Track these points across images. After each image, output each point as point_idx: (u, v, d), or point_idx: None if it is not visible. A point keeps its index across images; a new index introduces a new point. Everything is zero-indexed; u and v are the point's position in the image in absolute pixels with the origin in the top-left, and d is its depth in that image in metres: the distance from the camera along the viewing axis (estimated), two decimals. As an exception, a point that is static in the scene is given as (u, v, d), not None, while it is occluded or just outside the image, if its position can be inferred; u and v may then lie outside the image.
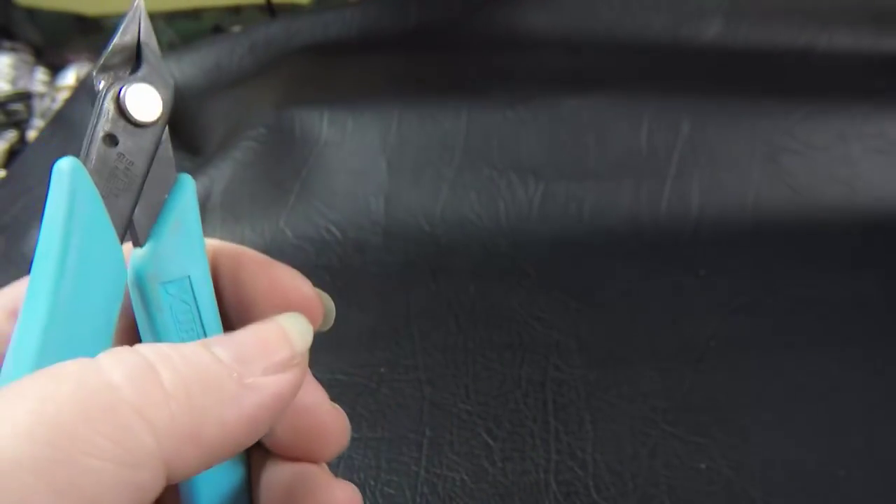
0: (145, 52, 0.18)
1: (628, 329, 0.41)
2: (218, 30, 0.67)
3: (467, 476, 0.35)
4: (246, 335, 0.18)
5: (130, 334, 0.20)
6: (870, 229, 0.47)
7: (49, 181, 0.17)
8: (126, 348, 0.16)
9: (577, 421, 0.37)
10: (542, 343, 0.41)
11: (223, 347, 0.17)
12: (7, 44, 0.64)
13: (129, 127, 0.18)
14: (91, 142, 0.17)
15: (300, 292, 0.21)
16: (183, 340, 0.19)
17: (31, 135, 0.59)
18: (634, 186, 0.49)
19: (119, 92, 0.18)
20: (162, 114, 0.18)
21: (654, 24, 0.55)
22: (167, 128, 0.19)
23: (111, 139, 0.18)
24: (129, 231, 0.19)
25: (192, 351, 0.17)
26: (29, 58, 0.64)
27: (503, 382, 0.39)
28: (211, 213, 0.51)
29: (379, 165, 0.50)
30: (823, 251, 0.45)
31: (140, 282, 0.19)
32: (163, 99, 0.18)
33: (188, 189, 0.19)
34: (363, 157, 0.51)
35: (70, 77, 0.61)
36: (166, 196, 0.19)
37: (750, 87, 0.52)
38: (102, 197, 0.17)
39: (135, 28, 0.18)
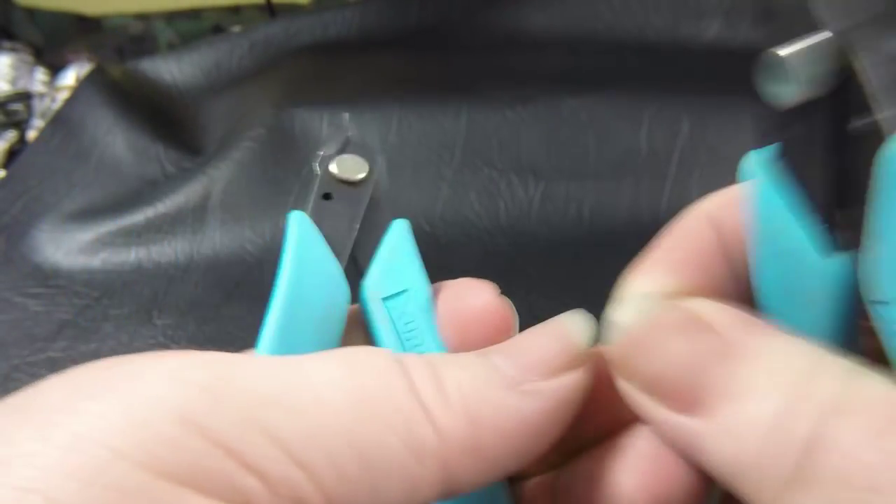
0: (352, 141, 0.24)
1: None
2: (218, 30, 0.67)
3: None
4: (524, 339, 0.18)
5: None
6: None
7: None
8: (413, 355, 0.17)
9: (577, 421, 0.37)
10: (542, 343, 0.41)
11: (501, 355, 0.17)
12: (7, 44, 0.64)
13: (340, 185, 0.22)
14: (314, 200, 0.22)
15: (479, 303, 0.21)
16: (408, 349, 0.21)
17: (31, 135, 0.59)
18: (634, 186, 0.49)
19: (329, 164, 0.23)
20: (368, 174, 0.23)
21: (654, 24, 0.55)
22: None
23: (327, 195, 0.22)
24: (357, 266, 0.22)
25: (469, 360, 0.17)
26: (29, 58, 0.64)
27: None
28: (211, 214, 0.51)
29: (379, 165, 0.50)
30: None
31: (364, 300, 0.22)
32: (369, 165, 0.23)
33: (403, 227, 0.23)
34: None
35: (70, 77, 0.61)
36: (383, 235, 0.22)
37: (750, 87, 0.52)
38: (325, 235, 0.21)
39: (345, 129, 0.24)
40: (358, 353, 0.16)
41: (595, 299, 0.47)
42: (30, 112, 0.60)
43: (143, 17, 0.68)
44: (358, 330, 0.22)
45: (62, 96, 0.59)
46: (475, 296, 0.21)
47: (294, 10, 0.66)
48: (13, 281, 0.48)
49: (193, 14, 0.68)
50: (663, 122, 0.50)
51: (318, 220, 0.22)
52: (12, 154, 0.58)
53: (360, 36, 0.58)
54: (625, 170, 0.49)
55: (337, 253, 0.21)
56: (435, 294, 0.22)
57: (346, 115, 0.24)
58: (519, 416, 0.16)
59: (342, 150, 0.23)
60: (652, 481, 0.17)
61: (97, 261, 0.49)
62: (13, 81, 0.62)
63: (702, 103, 0.51)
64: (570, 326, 0.18)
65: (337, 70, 0.56)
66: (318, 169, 0.23)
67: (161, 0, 0.67)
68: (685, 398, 0.15)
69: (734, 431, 0.14)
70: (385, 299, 0.22)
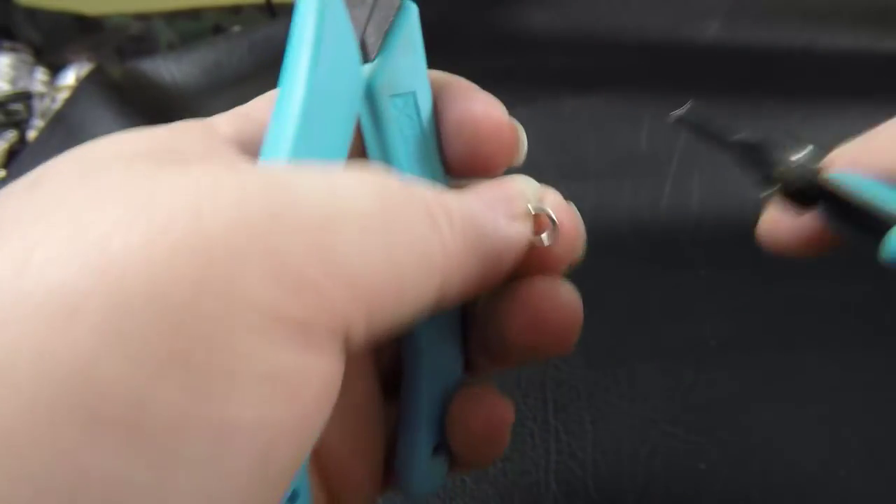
0: None
1: (628, 329, 0.41)
2: (218, 30, 0.67)
3: (467, 476, 0.35)
4: (490, 187, 0.20)
5: (359, 147, 0.21)
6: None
7: None
8: (425, 186, 0.18)
9: (577, 421, 0.37)
10: (542, 343, 0.41)
11: (474, 195, 0.19)
12: (7, 44, 0.64)
13: None
14: None
15: (491, 121, 0.21)
16: (408, 154, 0.21)
17: (31, 135, 0.59)
18: (634, 186, 0.49)
19: None
20: None
21: (654, 24, 0.55)
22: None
23: None
24: (361, 47, 0.20)
25: (462, 195, 0.19)
26: (29, 58, 0.64)
27: (503, 382, 0.39)
28: (211, 213, 0.51)
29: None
30: (823, 251, 0.45)
31: (371, 93, 0.20)
32: None
33: (412, 13, 0.21)
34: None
35: (70, 77, 0.61)
36: (392, 18, 0.20)
37: (750, 87, 0.52)
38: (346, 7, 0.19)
39: None
40: (389, 185, 0.17)
41: (595, 299, 0.47)
42: (30, 112, 0.60)
43: (143, 17, 0.68)
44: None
45: (62, 96, 0.59)
46: (484, 110, 0.21)
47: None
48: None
49: (193, 14, 0.68)
50: (663, 122, 0.50)
51: None
52: (12, 154, 0.58)
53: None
54: (625, 170, 0.49)
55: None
56: (437, 95, 0.21)
57: None
58: (494, 247, 0.19)
59: None
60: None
61: (97, 261, 0.49)
62: (13, 81, 0.62)
63: (702, 103, 0.50)
64: (525, 186, 0.21)
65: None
66: None
67: (161, 0, 0.67)
68: None
69: None
70: (393, 97, 0.20)
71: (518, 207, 0.20)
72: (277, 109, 0.18)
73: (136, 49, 0.66)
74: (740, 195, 0.49)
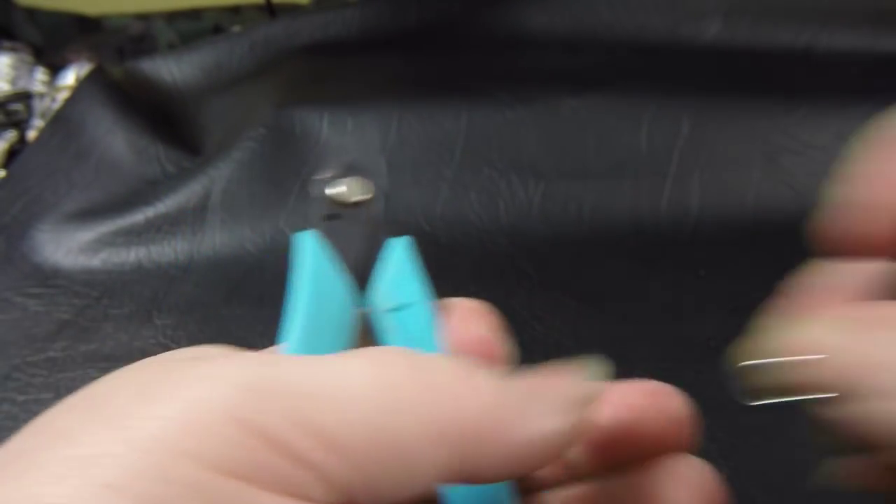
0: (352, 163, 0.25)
1: (628, 329, 0.41)
2: (218, 30, 0.67)
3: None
4: (536, 377, 0.19)
5: None
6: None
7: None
8: (454, 355, 0.18)
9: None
10: (542, 343, 0.41)
11: (518, 379, 0.18)
12: (7, 44, 0.64)
13: (345, 207, 0.24)
14: (321, 220, 0.23)
15: (472, 335, 0.22)
16: None
17: (31, 135, 0.59)
18: (634, 186, 0.49)
19: (329, 186, 0.24)
20: (373, 196, 0.24)
21: (654, 24, 0.55)
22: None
23: (332, 216, 0.23)
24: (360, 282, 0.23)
25: (496, 375, 0.18)
26: (29, 58, 0.64)
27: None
28: (211, 214, 0.51)
29: (379, 165, 0.50)
30: (823, 251, 0.45)
31: (373, 314, 0.23)
32: (373, 184, 0.24)
33: (406, 245, 0.24)
34: (363, 157, 0.51)
35: (70, 77, 0.61)
36: (385, 251, 0.23)
37: (750, 87, 0.52)
38: (333, 253, 0.22)
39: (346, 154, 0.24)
40: (385, 352, 0.18)
41: (595, 299, 0.47)
42: (30, 112, 0.60)
43: (143, 17, 0.68)
44: (364, 340, 0.23)
45: (62, 96, 0.59)
46: (475, 325, 0.22)
47: (294, 10, 0.66)
48: (13, 281, 0.48)
49: (193, 14, 0.68)
50: (663, 122, 0.50)
51: (325, 236, 0.23)
52: (12, 154, 0.58)
53: (360, 36, 0.58)
54: (625, 170, 0.49)
55: (346, 269, 0.23)
56: (438, 311, 0.23)
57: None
58: (533, 437, 0.18)
59: (342, 174, 0.25)
60: (699, 497, 0.20)
61: (97, 261, 0.49)
62: (13, 81, 0.62)
63: (702, 103, 0.51)
64: (589, 372, 0.20)
65: (337, 70, 0.56)
66: (318, 190, 0.24)
67: (161, 0, 0.67)
68: None
69: None
70: (391, 311, 0.23)
71: (561, 401, 0.19)
72: (286, 336, 0.21)
73: (136, 49, 0.66)
74: (740, 195, 0.49)
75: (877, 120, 0.20)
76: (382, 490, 0.16)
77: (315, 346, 0.21)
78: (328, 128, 0.51)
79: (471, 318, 0.22)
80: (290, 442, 0.15)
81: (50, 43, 0.66)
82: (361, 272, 0.23)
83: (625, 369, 0.42)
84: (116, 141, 0.55)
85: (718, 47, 0.54)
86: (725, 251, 0.46)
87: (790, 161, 0.49)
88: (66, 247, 0.50)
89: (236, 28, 0.66)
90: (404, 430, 0.16)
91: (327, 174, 0.25)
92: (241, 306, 0.46)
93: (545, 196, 0.49)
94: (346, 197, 0.24)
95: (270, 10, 0.66)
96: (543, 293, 0.44)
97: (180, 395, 0.15)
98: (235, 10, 0.68)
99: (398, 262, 0.23)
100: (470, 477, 0.17)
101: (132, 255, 0.50)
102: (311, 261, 0.22)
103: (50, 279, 0.48)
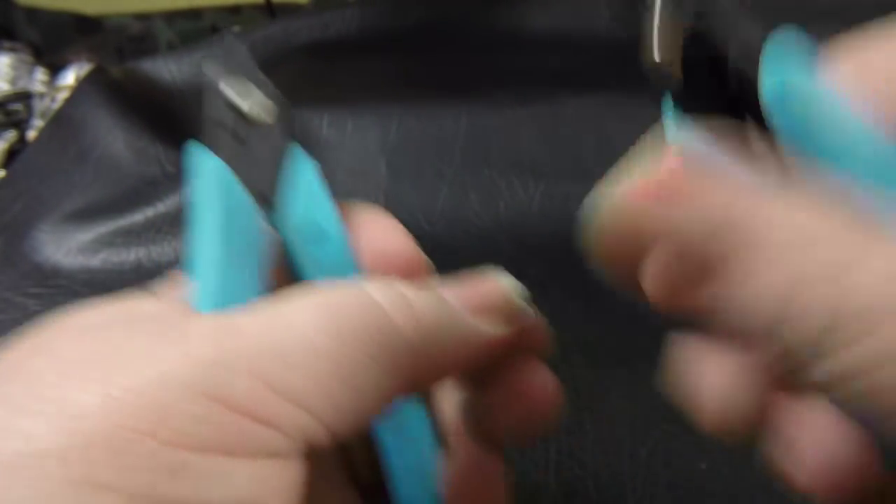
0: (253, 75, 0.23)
1: (628, 329, 0.41)
2: (218, 30, 0.67)
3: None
4: (461, 284, 0.21)
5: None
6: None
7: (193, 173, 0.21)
8: (385, 282, 0.19)
9: (577, 421, 0.37)
10: (542, 343, 0.41)
11: (443, 291, 0.20)
12: (7, 44, 0.64)
13: (248, 126, 0.22)
14: (222, 138, 0.22)
15: (389, 247, 0.22)
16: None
17: (31, 135, 0.59)
18: (634, 186, 0.49)
19: (233, 96, 0.22)
20: (275, 111, 0.23)
21: (654, 24, 0.55)
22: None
23: (238, 138, 0.22)
24: (263, 206, 0.22)
25: (426, 293, 0.19)
26: (29, 58, 0.64)
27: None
28: (211, 213, 0.51)
29: (379, 165, 0.50)
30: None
31: (289, 245, 0.22)
32: (273, 101, 0.23)
33: (304, 159, 0.23)
34: (363, 157, 0.51)
35: (70, 77, 0.61)
36: (286, 170, 0.22)
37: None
38: (240, 178, 0.21)
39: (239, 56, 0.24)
40: (328, 294, 0.18)
41: (595, 299, 0.47)
42: (30, 112, 0.60)
43: (143, 17, 0.68)
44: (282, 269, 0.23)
45: (62, 96, 0.59)
46: (387, 239, 0.22)
47: (294, 10, 0.66)
48: (13, 281, 0.48)
49: (193, 14, 0.68)
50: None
51: (227, 158, 0.21)
52: (12, 154, 0.58)
53: (360, 36, 0.58)
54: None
55: (252, 195, 0.21)
56: (349, 224, 0.23)
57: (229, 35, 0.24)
58: (465, 344, 0.20)
59: (235, 73, 0.23)
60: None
61: (97, 261, 0.49)
62: (13, 81, 0.62)
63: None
64: (507, 284, 0.22)
65: (337, 70, 0.56)
66: (218, 102, 0.23)
67: (161, 0, 0.67)
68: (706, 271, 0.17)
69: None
70: (305, 237, 0.22)
71: (488, 302, 0.21)
72: (196, 271, 0.20)
73: (136, 49, 0.66)
74: (740, 195, 0.49)
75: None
76: (340, 426, 0.17)
77: (230, 283, 0.20)
78: (328, 128, 0.51)
79: (382, 229, 0.22)
80: (255, 407, 0.16)
81: (50, 43, 0.66)
82: (268, 195, 0.22)
83: (625, 369, 0.42)
84: (116, 141, 0.55)
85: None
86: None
87: (790, 161, 0.49)
88: (66, 247, 0.50)
89: (236, 28, 0.66)
90: (359, 368, 0.17)
91: (226, 75, 0.23)
92: (241, 306, 0.46)
93: (545, 196, 0.49)
94: (252, 114, 0.22)
95: (270, 10, 0.66)
96: (543, 293, 0.44)
97: (144, 372, 0.16)
98: (235, 10, 0.68)
99: (305, 183, 0.22)
100: (414, 390, 0.19)
101: (132, 255, 0.50)
102: (217, 190, 0.21)
103: (50, 279, 0.48)
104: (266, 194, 0.22)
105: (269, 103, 0.23)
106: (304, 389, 0.16)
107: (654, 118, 0.22)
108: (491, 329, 0.20)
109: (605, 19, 0.56)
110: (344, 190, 0.50)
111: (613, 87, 0.52)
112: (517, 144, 0.50)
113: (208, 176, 0.21)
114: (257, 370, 0.16)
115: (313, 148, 0.51)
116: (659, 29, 0.19)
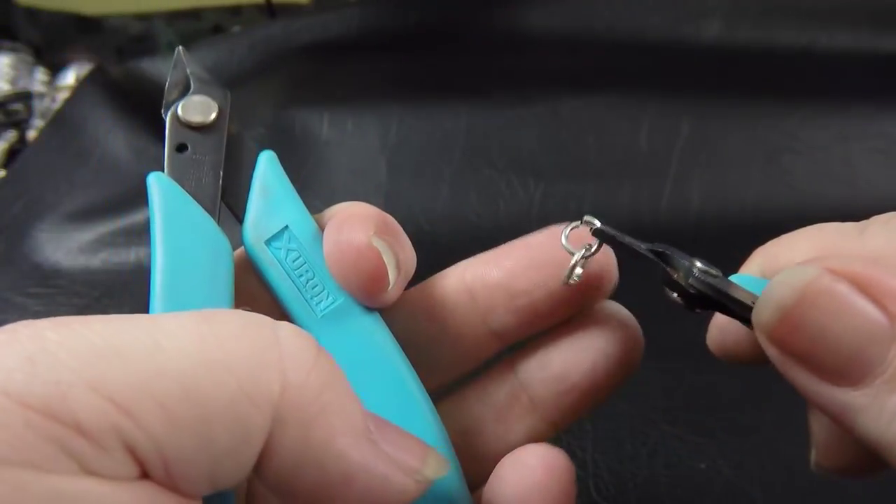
0: (193, 78, 0.23)
1: (628, 329, 0.41)
2: (218, 30, 0.67)
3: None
4: (397, 433, 0.19)
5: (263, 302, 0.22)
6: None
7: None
8: (304, 332, 0.17)
9: (577, 421, 0.37)
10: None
11: (373, 420, 0.18)
12: (7, 44, 0.64)
13: (193, 133, 0.22)
14: (168, 154, 0.21)
15: (352, 250, 0.21)
16: (300, 285, 0.22)
17: (31, 135, 0.59)
18: (634, 186, 0.49)
19: (176, 109, 0.22)
20: (218, 115, 0.22)
21: (654, 24, 0.55)
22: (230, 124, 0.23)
23: (181, 147, 0.21)
24: (232, 212, 0.22)
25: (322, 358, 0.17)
26: (29, 58, 0.64)
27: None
28: (211, 213, 0.51)
29: (379, 165, 0.50)
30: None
31: (249, 249, 0.22)
32: (218, 104, 0.22)
33: (269, 160, 0.22)
34: (363, 156, 0.51)
35: (70, 77, 0.61)
36: (251, 174, 0.22)
37: (750, 87, 0.52)
38: (190, 191, 0.21)
39: (182, 66, 0.24)
40: (221, 313, 0.17)
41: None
42: (30, 112, 0.60)
43: (143, 17, 0.68)
44: (249, 274, 0.22)
45: (62, 96, 0.59)
46: (351, 234, 0.21)
47: (294, 10, 0.66)
48: (13, 281, 0.48)
49: (193, 14, 0.68)
50: (663, 122, 0.50)
51: (179, 175, 0.21)
52: (12, 154, 0.58)
53: (360, 36, 0.58)
54: (625, 170, 0.49)
55: (206, 205, 0.21)
56: (321, 226, 0.22)
57: (180, 49, 0.24)
58: (358, 453, 0.17)
59: (186, 92, 0.23)
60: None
61: (97, 261, 0.49)
62: (13, 81, 0.62)
63: (702, 103, 0.51)
64: (432, 455, 0.19)
65: (337, 70, 0.56)
66: (166, 118, 0.22)
67: (161, 0, 0.67)
68: (840, 373, 0.16)
69: (887, 409, 0.15)
70: (268, 241, 0.22)
71: (409, 461, 0.19)
72: (151, 283, 0.20)
73: (136, 49, 0.66)
74: (740, 195, 0.49)
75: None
76: (199, 458, 0.15)
77: (182, 299, 0.20)
78: (328, 128, 0.51)
79: (352, 225, 0.22)
80: (66, 408, 0.14)
81: (50, 43, 0.66)
82: (230, 202, 0.22)
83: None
84: (116, 141, 0.55)
85: (718, 47, 0.54)
86: (725, 251, 0.46)
87: (790, 161, 0.49)
88: (66, 247, 0.50)
89: (236, 28, 0.66)
90: (221, 388, 0.15)
91: (168, 97, 0.23)
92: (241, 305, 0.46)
93: (545, 196, 0.49)
94: (194, 118, 0.22)
95: (270, 11, 0.66)
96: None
97: None
98: (235, 11, 0.68)
99: (266, 184, 0.22)
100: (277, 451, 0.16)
101: (132, 255, 0.50)
102: (165, 210, 0.21)
103: (50, 279, 0.48)
104: (218, 196, 0.21)
105: (211, 105, 0.23)
106: (128, 391, 0.15)
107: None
108: (388, 471, 0.18)
109: (605, 19, 0.56)
110: (344, 190, 0.50)
111: (613, 87, 0.52)
112: (517, 144, 0.50)
113: (154, 192, 0.21)
114: (79, 366, 0.15)
115: (313, 148, 0.51)
116: None
